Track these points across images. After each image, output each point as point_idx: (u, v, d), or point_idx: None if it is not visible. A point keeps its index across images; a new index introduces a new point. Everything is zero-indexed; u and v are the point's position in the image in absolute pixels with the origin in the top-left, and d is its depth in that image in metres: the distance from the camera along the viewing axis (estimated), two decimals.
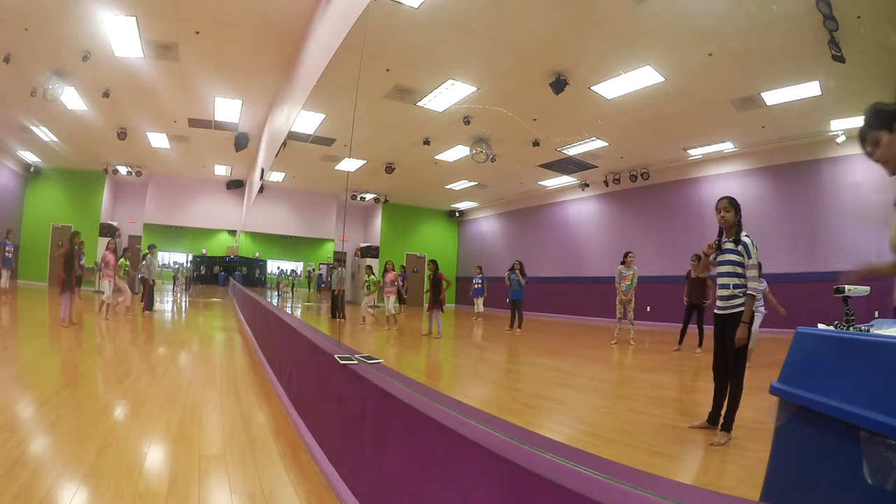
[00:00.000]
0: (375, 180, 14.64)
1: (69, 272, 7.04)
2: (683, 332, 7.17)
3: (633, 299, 7.74)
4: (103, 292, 8.55)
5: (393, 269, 8.95)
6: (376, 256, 17.41)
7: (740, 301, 3.03)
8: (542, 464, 1.07)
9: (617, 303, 7.86)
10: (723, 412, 3.09)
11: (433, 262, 8.43)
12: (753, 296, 3.01)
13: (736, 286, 3.05)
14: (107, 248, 8.42)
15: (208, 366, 5.25)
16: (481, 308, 11.43)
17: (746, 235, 3.08)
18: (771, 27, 5.76)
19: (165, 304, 13.39)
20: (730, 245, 3.10)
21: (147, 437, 2.75)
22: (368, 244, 18.01)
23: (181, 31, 7.19)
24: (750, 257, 3.03)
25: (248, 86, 9.28)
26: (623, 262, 7.80)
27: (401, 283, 9.09)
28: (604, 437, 3.07)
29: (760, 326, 5.98)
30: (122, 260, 9.43)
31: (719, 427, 3.06)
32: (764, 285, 5.93)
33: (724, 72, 6.97)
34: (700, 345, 6.94)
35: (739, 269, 3.05)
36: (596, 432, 3.18)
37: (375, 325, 9.67)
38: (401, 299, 8.30)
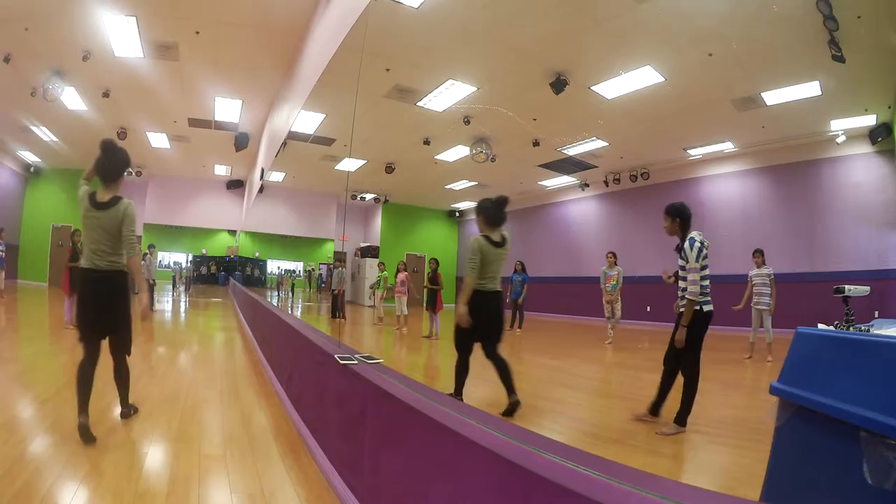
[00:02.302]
0: (375, 180, 14.64)
1: (74, 272, 7.05)
2: None
3: (620, 298, 7.88)
4: None
5: (405, 270, 8.97)
6: (376, 256, 17.41)
7: (685, 303, 3.09)
8: (542, 464, 1.07)
9: (604, 303, 7.98)
10: (674, 405, 3.17)
11: (434, 260, 8.42)
12: (691, 300, 3.02)
13: (683, 289, 3.10)
14: None
15: (208, 366, 5.25)
16: None
17: (690, 238, 3.12)
18: (771, 27, 5.76)
19: (165, 304, 13.38)
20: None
21: (147, 437, 2.75)
22: (368, 244, 18.01)
23: (181, 31, 7.19)
24: (687, 261, 3.06)
25: (248, 86, 9.28)
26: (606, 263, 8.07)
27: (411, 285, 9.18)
28: (604, 437, 3.07)
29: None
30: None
31: (673, 419, 3.13)
32: (769, 270, 6.09)
33: (724, 72, 6.97)
34: None
35: (686, 273, 3.10)
36: (596, 432, 3.18)
37: (384, 323, 9.71)
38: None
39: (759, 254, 6.37)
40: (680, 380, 3.20)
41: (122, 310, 2.83)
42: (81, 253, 2.67)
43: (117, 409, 3.09)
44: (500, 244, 3.47)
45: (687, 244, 3.10)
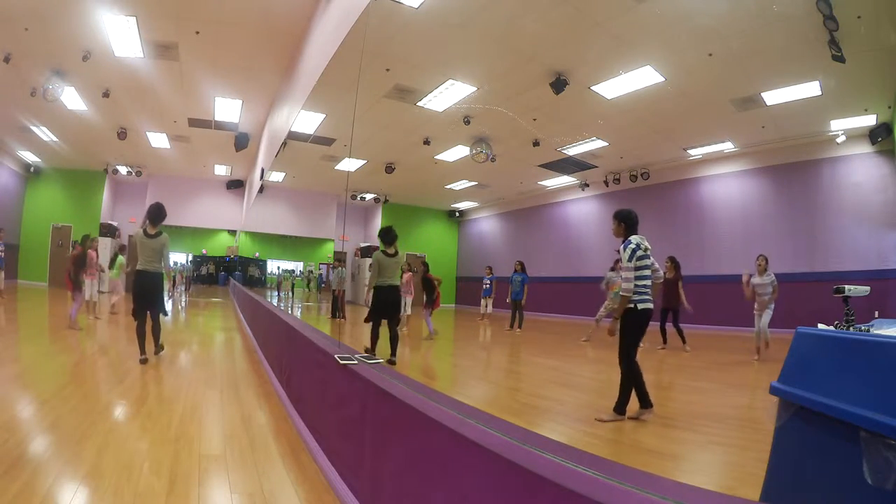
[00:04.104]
0: (375, 180, 14.64)
1: (77, 275, 7.03)
2: (662, 331, 7.24)
3: None
4: (113, 293, 8.78)
5: (409, 270, 8.97)
6: None
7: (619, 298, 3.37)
8: (542, 464, 1.07)
9: (604, 306, 7.93)
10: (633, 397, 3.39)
11: (424, 263, 8.46)
12: (624, 296, 3.30)
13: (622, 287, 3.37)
14: (90, 248, 7.92)
15: (208, 366, 5.25)
16: (489, 309, 11.40)
17: (626, 241, 3.40)
18: (771, 27, 5.76)
19: (165, 304, 13.37)
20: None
21: (147, 437, 2.75)
22: (368, 244, 18.00)
23: (181, 31, 7.19)
24: (621, 260, 3.38)
25: (248, 86, 9.28)
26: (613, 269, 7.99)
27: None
28: (604, 437, 3.07)
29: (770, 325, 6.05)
30: (119, 258, 9.38)
31: (613, 407, 3.35)
32: (771, 278, 6.00)
33: (724, 72, 6.97)
34: (684, 342, 6.98)
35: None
36: (596, 432, 3.18)
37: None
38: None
39: (763, 259, 6.11)
40: (654, 377, 3.40)
41: (159, 293, 5.03)
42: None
43: (117, 409, 3.11)
44: (392, 255, 5.34)
45: (622, 246, 3.41)
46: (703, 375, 5.55)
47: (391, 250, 5.37)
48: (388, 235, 5.40)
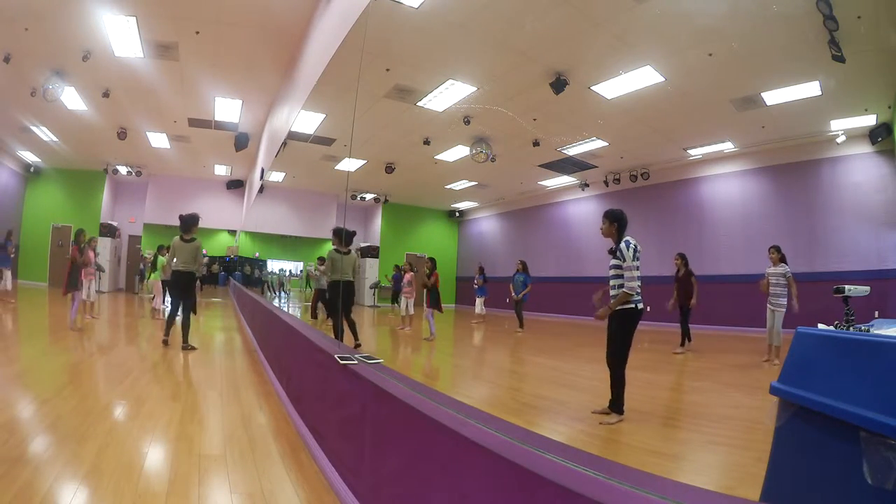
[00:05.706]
0: (375, 180, 14.64)
1: (74, 274, 6.98)
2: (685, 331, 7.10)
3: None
4: (153, 297, 9.46)
5: (410, 271, 8.99)
6: (376, 256, 17.41)
7: (618, 294, 3.40)
8: (542, 464, 1.07)
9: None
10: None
11: (431, 259, 8.33)
12: (627, 292, 3.36)
13: (620, 286, 3.41)
14: (88, 247, 7.72)
15: (208, 366, 5.24)
16: (482, 309, 11.39)
17: (626, 241, 3.43)
18: (771, 27, 5.76)
19: (165, 304, 13.36)
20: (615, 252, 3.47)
21: (147, 437, 2.75)
22: (368, 244, 17.99)
23: (181, 31, 7.19)
24: (623, 260, 3.39)
25: (248, 86, 9.27)
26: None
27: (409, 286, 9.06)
28: (604, 437, 3.07)
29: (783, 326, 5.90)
30: (160, 258, 9.39)
31: (611, 409, 3.40)
32: (785, 269, 5.87)
33: (724, 72, 6.97)
34: (682, 344, 6.89)
35: (621, 272, 3.41)
36: (596, 432, 3.18)
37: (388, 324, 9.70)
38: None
39: (774, 250, 6.02)
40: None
41: (192, 289, 5.92)
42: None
43: (117, 409, 3.11)
44: (346, 253, 5.94)
45: (623, 245, 3.43)
46: (707, 376, 5.55)
47: (344, 249, 5.96)
48: (347, 237, 6.14)
